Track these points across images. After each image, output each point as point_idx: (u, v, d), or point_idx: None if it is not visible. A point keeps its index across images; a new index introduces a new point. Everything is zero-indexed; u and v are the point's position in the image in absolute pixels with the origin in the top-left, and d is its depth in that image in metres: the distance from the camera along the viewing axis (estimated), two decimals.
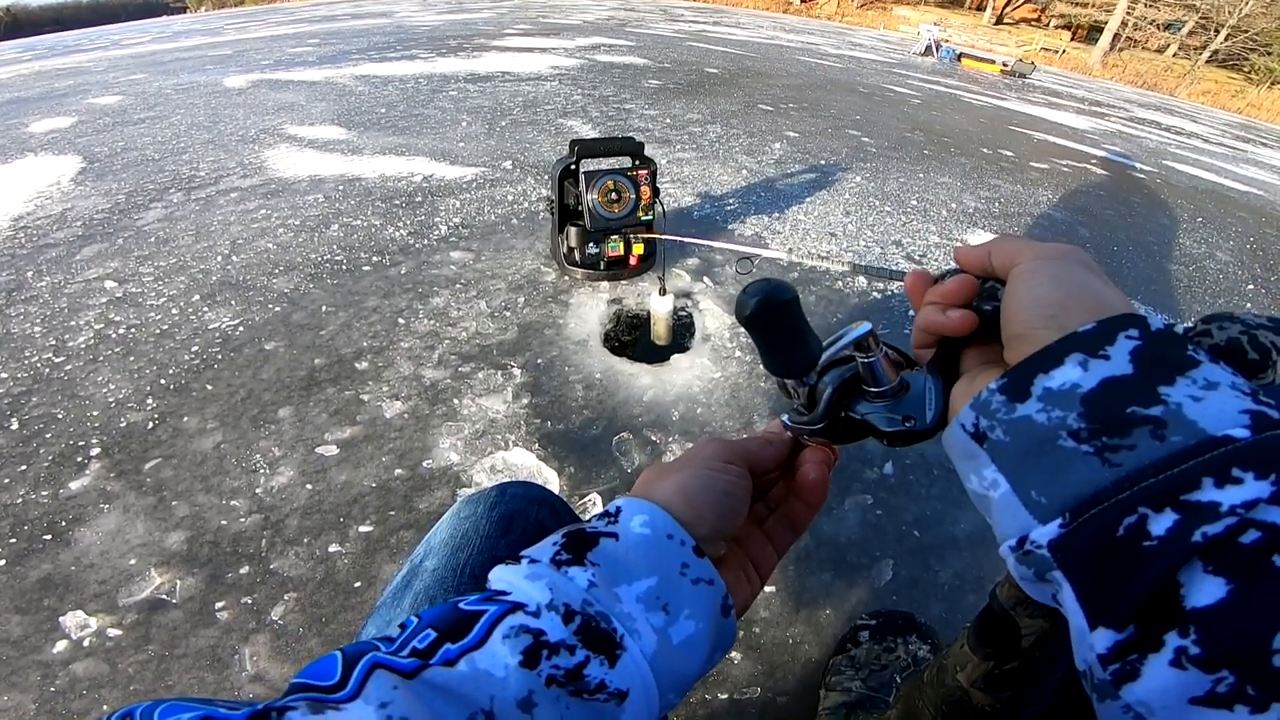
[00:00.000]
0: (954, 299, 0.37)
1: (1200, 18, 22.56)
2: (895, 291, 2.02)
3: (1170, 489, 0.24)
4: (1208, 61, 21.73)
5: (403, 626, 0.31)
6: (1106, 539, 0.25)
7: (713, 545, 0.38)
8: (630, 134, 2.94)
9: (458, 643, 0.29)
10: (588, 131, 3.39)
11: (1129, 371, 0.27)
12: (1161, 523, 0.24)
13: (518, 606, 0.31)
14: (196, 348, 1.53)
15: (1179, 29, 23.98)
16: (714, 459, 0.41)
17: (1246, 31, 21.37)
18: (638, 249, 1.83)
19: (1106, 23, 22.59)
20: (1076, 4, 25.27)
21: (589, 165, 1.71)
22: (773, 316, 0.35)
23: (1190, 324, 0.29)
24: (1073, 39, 25.34)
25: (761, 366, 1.58)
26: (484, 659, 0.29)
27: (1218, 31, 21.74)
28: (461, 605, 0.31)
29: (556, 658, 0.29)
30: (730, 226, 2.33)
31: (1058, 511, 0.27)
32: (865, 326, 0.39)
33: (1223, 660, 0.23)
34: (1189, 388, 0.26)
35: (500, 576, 0.34)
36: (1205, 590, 0.23)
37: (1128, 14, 22.55)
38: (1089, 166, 4.31)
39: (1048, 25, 27.39)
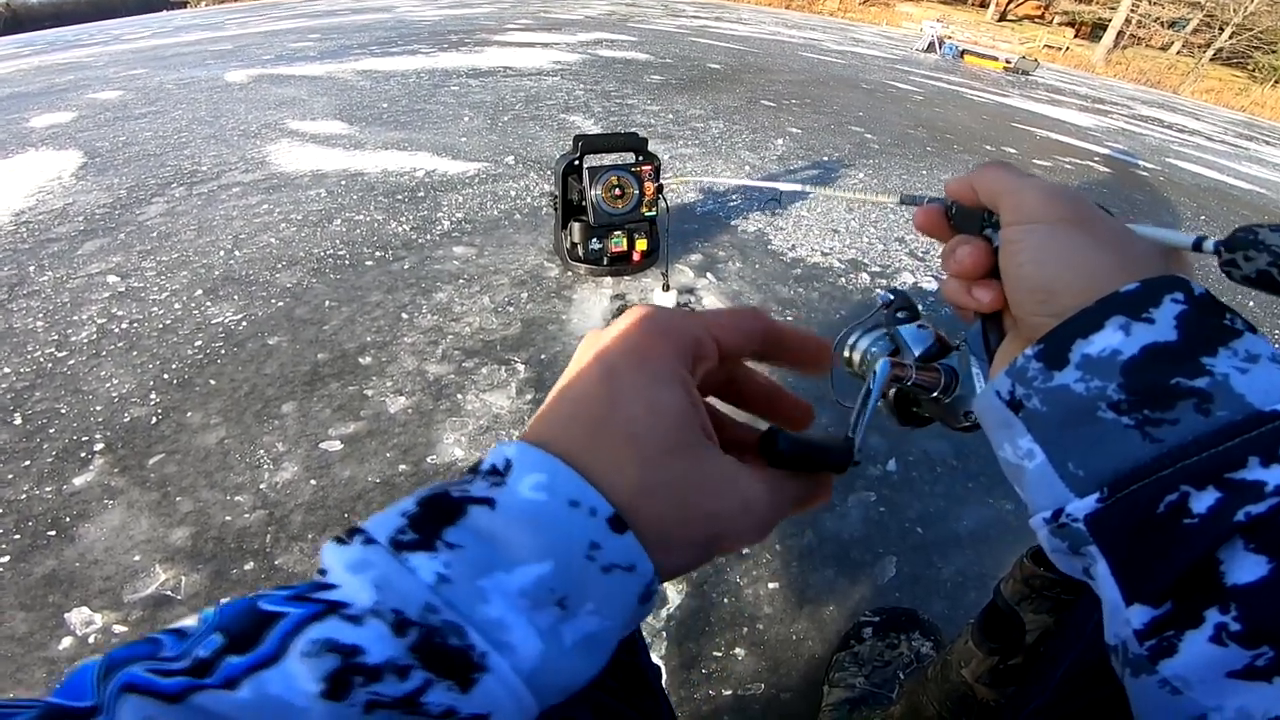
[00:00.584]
0: (975, 272, 0.35)
1: (1205, 15, 22.50)
2: (897, 288, 2.02)
3: (1215, 467, 0.24)
4: (1212, 59, 21.68)
5: (202, 619, 0.23)
6: (1145, 516, 0.25)
7: (659, 521, 0.26)
8: (633, 129, 2.93)
9: (244, 655, 0.21)
10: (590, 127, 3.39)
11: (1174, 338, 0.26)
12: (1203, 501, 0.24)
13: (332, 608, 0.22)
14: (200, 342, 1.53)
15: (1183, 26, 23.93)
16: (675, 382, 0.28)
17: (1251, 29, 21.32)
18: (640, 244, 1.83)
19: (1110, 20, 22.52)
20: (1080, 1, 25.19)
21: (592, 161, 1.71)
22: (791, 456, 0.34)
23: (1217, 240, 0.28)
24: (1076, 36, 25.29)
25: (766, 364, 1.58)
26: (276, 681, 0.20)
27: (1222, 29, 21.68)
28: (262, 603, 0.22)
29: (378, 684, 0.21)
30: (733, 222, 2.33)
31: (1095, 485, 0.26)
32: (884, 365, 0.37)
33: (1264, 637, 0.23)
34: (1231, 359, 0.25)
35: (327, 560, 0.24)
36: (1246, 568, 0.23)
37: (1132, 11, 22.49)
38: (1092, 164, 4.30)
39: (1051, 22, 27.34)
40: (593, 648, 0.24)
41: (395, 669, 0.21)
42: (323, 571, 0.24)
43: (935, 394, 0.39)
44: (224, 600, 0.23)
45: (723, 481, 0.27)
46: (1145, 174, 4.39)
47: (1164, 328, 0.26)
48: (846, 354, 0.42)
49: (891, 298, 0.42)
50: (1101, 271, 0.29)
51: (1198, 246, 0.29)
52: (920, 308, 0.43)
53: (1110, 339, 0.27)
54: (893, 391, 0.40)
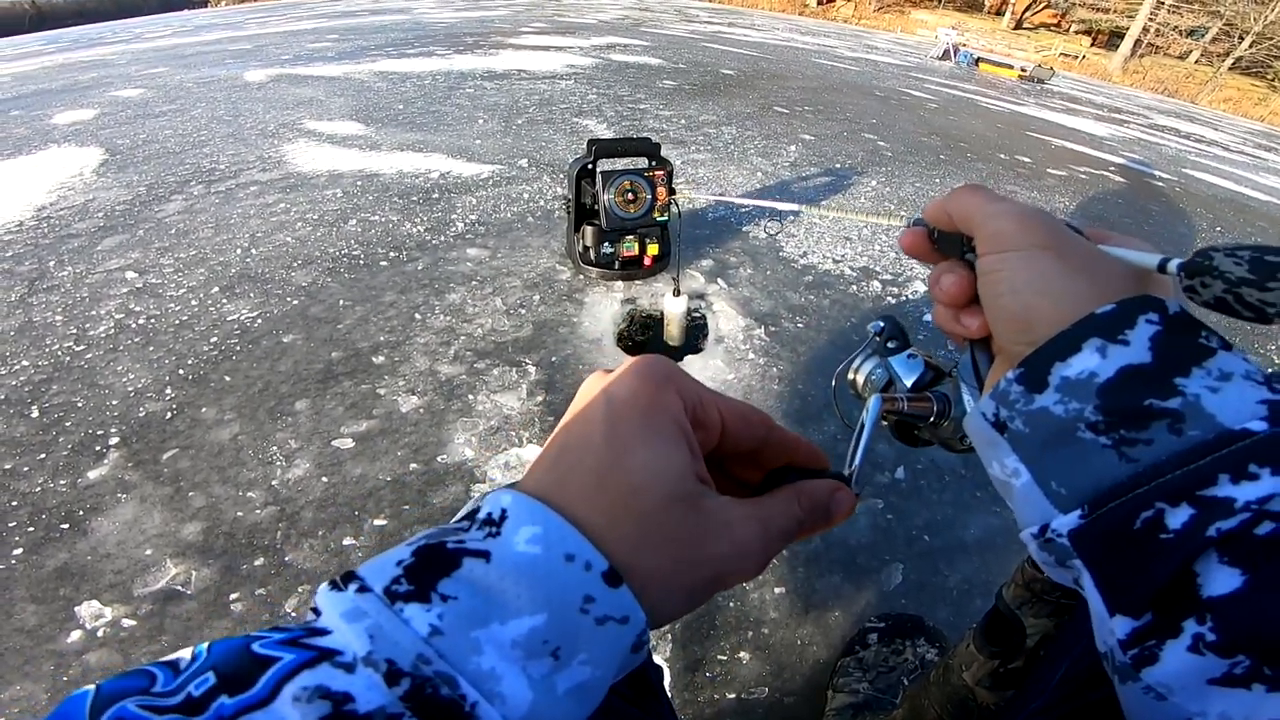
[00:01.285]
0: (961, 299, 0.36)
1: (1224, 24, 22.29)
2: (908, 297, 2.02)
3: (1187, 485, 0.25)
4: (1231, 68, 21.47)
5: (195, 655, 0.24)
6: (1124, 531, 0.26)
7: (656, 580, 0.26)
8: (646, 134, 2.94)
9: (236, 696, 0.21)
10: (603, 131, 3.40)
11: (1147, 360, 0.27)
12: (1178, 517, 0.25)
13: (325, 655, 0.22)
14: (215, 339, 1.55)
15: (1202, 35, 23.70)
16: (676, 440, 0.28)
17: (1271, 38, 21.10)
18: (652, 249, 1.83)
19: (1128, 28, 22.36)
20: (1097, 9, 25.03)
21: (605, 165, 1.72)
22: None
23: (1179, 262, 0.28)
24: (1093, 44, 25.11)
25: (776, 370, 1.59)
26: None
27: (1242, 38, 21.47)
28: (255, 646, 0.23)
29: None
30: (745, 228, 2.33)
31: (1077, 503, 0.28)
32: (875, 402, 0.39)
33: (1239, 646, 0.23)
34: (1204, 379, 0.26)
35: (322, 604, 0.24)
36: (1220, 580, 0.24)
37: (1150, 20, 22.33)
38: (1107, 173, 4.27)
39: (1068, 30, 27.15)
40: (584, 695, 0.25)
41: (386, 717, 0.21)
42: (316, 611, 0.25)
43: (931, 420, 0.40)
44: (216, 638, 0.24)
45: (720, 526, 0.28)
46: (1161, 184, 4.36)
47: (1138, 349, 0.27)
48: (851, 376, 0.44)
49: (883, 325, 0.43)
50: (1076, 298, 0.30)
51: (1162, 268, 0.29)
52: (918, 333, 0.45)
53: (1087, 361, 0.28)
54: (893, 418, 0.42)
